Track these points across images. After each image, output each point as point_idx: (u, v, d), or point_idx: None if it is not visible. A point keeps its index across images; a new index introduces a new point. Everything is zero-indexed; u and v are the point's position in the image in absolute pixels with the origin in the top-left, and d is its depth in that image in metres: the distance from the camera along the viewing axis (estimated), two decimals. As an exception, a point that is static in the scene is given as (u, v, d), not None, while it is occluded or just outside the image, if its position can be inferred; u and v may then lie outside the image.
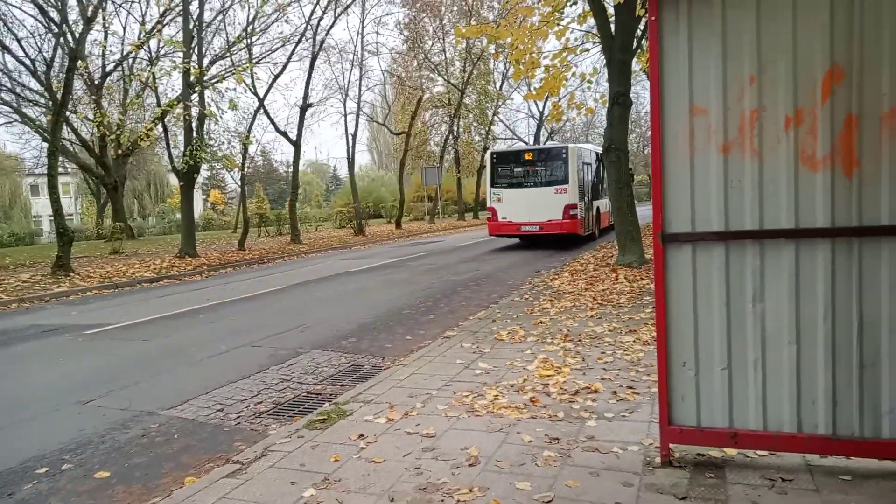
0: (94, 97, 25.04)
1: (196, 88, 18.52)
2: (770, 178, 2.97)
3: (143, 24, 22.96)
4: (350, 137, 27.77)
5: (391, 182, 47.12)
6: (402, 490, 3.15)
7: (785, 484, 2.96)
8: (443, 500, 3.02)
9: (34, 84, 22.59)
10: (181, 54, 18.91)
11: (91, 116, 24.12)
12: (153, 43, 22.82)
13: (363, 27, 28.40)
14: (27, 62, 20.83)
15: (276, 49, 23.38)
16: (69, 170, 37.96)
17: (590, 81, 14.65)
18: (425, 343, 6.63)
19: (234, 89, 21.64)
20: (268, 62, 23.39)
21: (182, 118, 18.48)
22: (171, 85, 29.29)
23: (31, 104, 24.26)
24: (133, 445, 4.28)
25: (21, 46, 20.77)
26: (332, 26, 24.24)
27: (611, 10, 11.37)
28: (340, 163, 54.50)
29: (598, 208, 19.88)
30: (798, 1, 2.89)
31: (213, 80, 21.55)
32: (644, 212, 11.87)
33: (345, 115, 28.08)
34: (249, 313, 9.32)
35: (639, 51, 13.29)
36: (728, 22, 2.99)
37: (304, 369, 5.95)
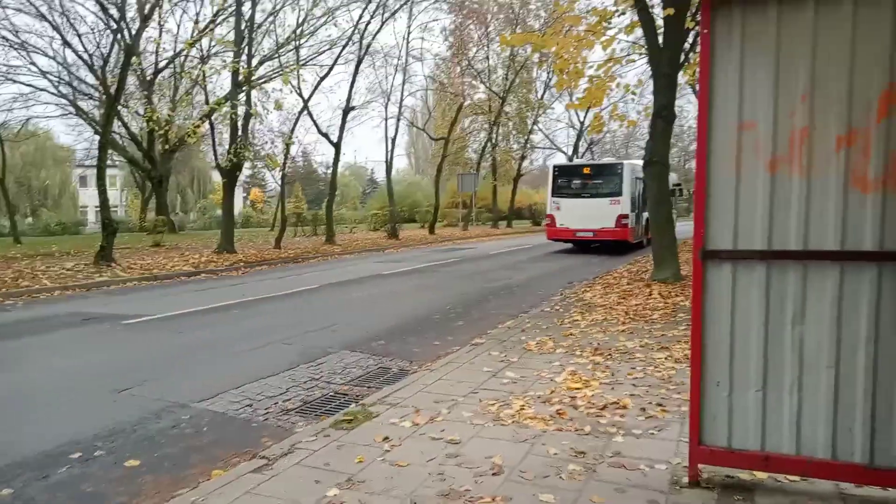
0: (145, 93, 25.81)
1: (244, 88, 18.92)
2: (818, 198, 2.88)
3: (196, 22, 23.58)
4: (389, 142, 28.01)
5: (427, 187, 47.27)
6: (425, 495, 3.14)
7: (819, 514, 2.86)
8: (464, 508, 2.99)
9: (90, 78, 23.42)
10: (231, 54, 19.38)
11: (142, 111, 24.88)
12: (205, 42, 23.41)
13: (409, 33, 28.54)
14: (85, 57, 21.59)
15: (323, 52, 23.75)
16: (117, 163, 39.15)
17: (634, 93, 14.49)
18: (453, 349, 6.61)
19: (280, 90, 21.97)
20: (314, 64, 23.78)
21: (229, 117, 18.90)
22: (220, 83, 30.09)
23: (86, 97, 25.17)
24: (163, 436, 4.36)
25: (81, 41, 21.58)
26: (378, 31, 24.59)
27: (659, 22, 11.22)
28: (378, 166, 54.87)
29: (647, 219, 20.34)
30: (858, 17, 2.79)
31: (261, 81, 21.97)
32: (681, 227, 11.64)
33: (385, 119, 28.36)
34: (282, 311, 9.45)
35: (686, 64, 13.09)
36: (782, 37, 2.91)
37: (332, 369, 6.00)
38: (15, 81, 23.12)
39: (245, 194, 56.20)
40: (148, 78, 26.12)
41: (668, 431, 3.94)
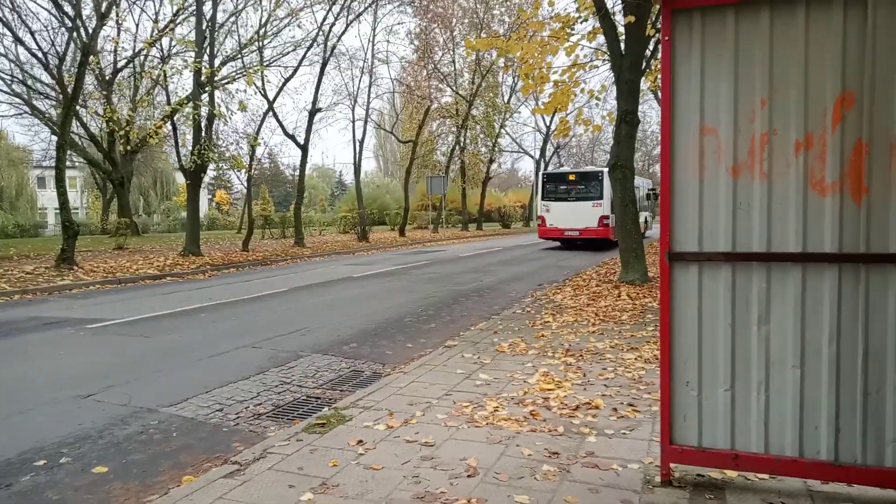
0: (104, 93, 25.20)
1: (206, 88, 18.63)
2: (779, 201, 2.98)
3: (155, 21, 23.11)
4: (357, 144, 27.85)
5: (396, 189, 47.20)
6: (400, 498, 3.15)
7: (784, 508, 2.95)
8: (441, 510, 3.01)
9: (45, 77, 22.78)
10: (193, 54, 19.05)
11: (101, 112, 24.27)
12: (165, 41, 22.99)
13: (374, 35, 28.44)
14: (39, 55, 20.94)
15: (288, 53, 23.52)
16: (76, 164, 38.16)
17: (598, 98, 14.69)
18: (426, 352, 6.63)
19: (244, 91, 21.68)
20: (278, 65, 23.51)
21: (191, 117, 18.59)
22: (182, 84, 29.48)
23: (41, 97, 24.42)
24: (131, 442, 4.28)
25: (34, 39, 20.87)
26: (343, 33, 24.38)
27: (621, 29, 11.43)
28: (346, 168, 54.68)
29: None
30: (811, 26, 2.90)
31: (224, 81, 21.66)
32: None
33: (353, 122, 28.17)
34: (251, 314, 9.33)
35: (647, 70, 13.34)
36: (741, 44, 3.00)
37: (304, 373, 5.95)
38: (-38, 79, 22.30)
39: (210, 196, 55.27)
40: (107, 77, 25.48)
41: (639, 431, 4.02)
